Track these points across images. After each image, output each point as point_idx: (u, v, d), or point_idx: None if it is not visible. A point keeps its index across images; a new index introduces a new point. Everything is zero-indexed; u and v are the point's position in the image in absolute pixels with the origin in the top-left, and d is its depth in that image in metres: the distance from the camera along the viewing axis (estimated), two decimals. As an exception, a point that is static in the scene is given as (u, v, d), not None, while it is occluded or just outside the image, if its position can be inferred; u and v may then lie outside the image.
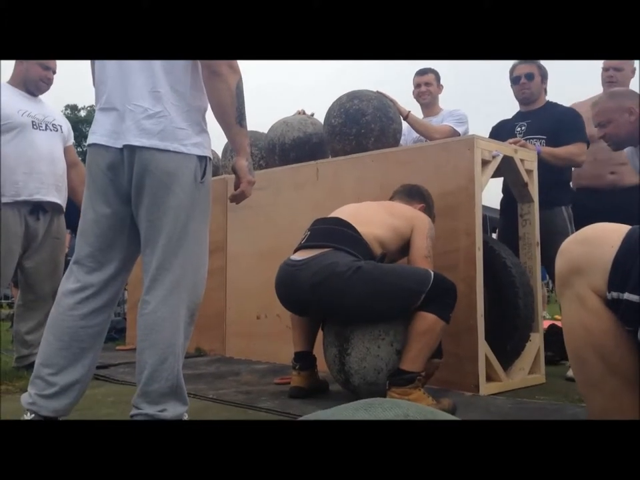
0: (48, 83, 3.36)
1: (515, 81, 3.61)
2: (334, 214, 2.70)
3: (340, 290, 2.36)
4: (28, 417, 1.87)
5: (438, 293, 2.35)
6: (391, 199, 2.87)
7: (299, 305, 2.59)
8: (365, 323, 2.45)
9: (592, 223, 1.32)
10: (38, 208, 3.21)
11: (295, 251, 2.59)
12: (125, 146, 1.86)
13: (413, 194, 2.83)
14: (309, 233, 2.63)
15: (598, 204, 3.32)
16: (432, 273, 2.39)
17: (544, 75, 3.59)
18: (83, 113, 33.16)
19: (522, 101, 3.66)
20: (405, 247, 2.60)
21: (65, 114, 30.52)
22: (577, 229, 1.18)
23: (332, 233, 2.55)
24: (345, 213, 2.67)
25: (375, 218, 2.62)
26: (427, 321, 2.33)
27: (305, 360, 2.68)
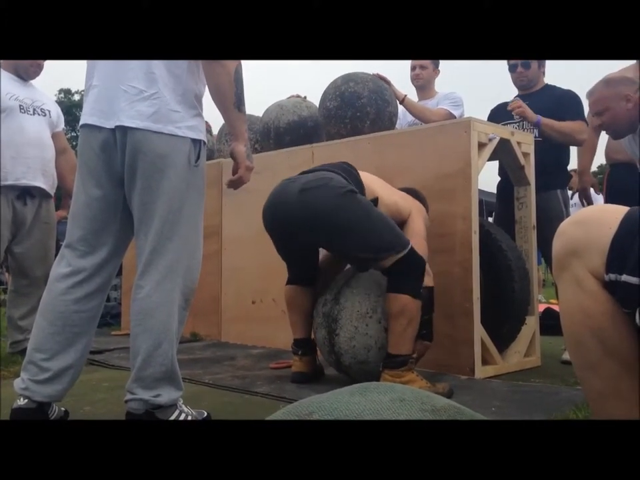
0: (39, 68, 3.32)
1: (511, 68, 3.54)
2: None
3: (331, 202, 2.33)
4: (21, 402, 1.86)
5: (410, 266, 2.32)
6: None
7: (283, 215, 2.46)
8: (352, 299, 2.45)
9: (627, 199, 1.30)
10: (25, 193, 3.19)
11: None
12: (118, 127, 1.83)
13: (410, 194, 2.81)
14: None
15: (633, 181, 3.02)
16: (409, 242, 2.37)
17: (540, 61, 3.55)
18: (76, 97, 32.96)
19: (520, 88, 3.61)
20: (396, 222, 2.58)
21: (58, 98, 30.40)
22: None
23: (332, 164, 2.59)
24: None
25: (379, 182, 2.64)
26: (399, 301, 2.30)
27: (306, 346, 2.67)
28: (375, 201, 2.50)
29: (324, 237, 2.41)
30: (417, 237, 2.50)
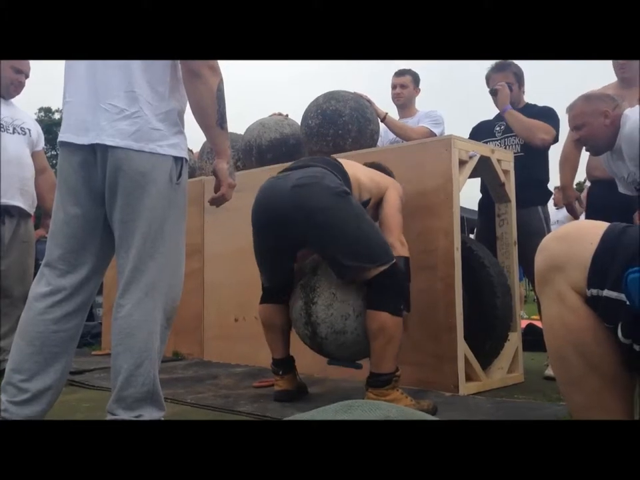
0: (19, 86, 3.31)
1: (493, 92, 3.54)
2: None
3: (324, 201, 2.32)
4: (-1, 424, 1.82)
5: (392, 279, 2.32)
6: None
7: (275, 211, 2.43)
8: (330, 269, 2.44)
9: (605, 216, 1.31)
10: (3, 212, 3.15)
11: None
12: (98, 145, 1.82)
13: (383, 170, 2.84)
14: (292, 162, 2.66)
15: (612, 197, 3.08)
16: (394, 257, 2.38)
17: (520, 80, 3.59)
18: (57, 116, 32.76)
19: None
20: (378, 205, 2.62)
21: (38, 116, 30.15)
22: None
23: (318, 159, 2.61)
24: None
25: (361, 168, 2.67)
26: (378, 319, 2.29)
27: (286, 364, 2.66)
28: (367, 202, 2.52)
29: (313, 235, 2.39)
30: (393, 209, 2.57)
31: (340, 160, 2.63)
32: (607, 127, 2.79)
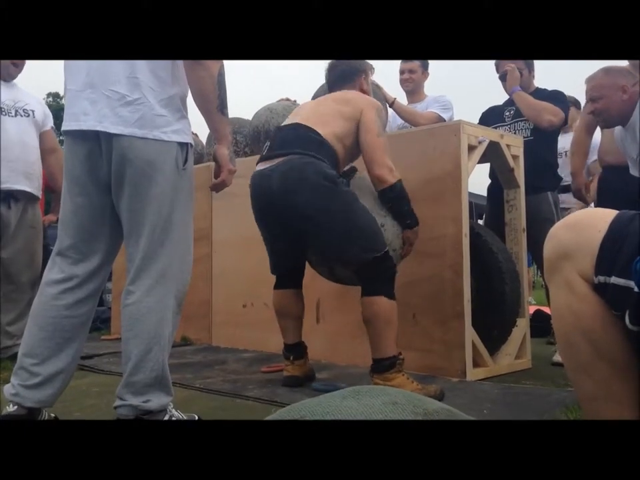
0: (20, 63, 3.27)
1: (502, 77, 3.55)
2: (291, 118, 2.62)
3: (313, 203, 2.31)
4: (11, 408, 1.84)
5: (384, 265, 2.33)
6: (332, 91, 2.73)
7: (267, 214, 2.49)
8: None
9: (617, 202, 1.31)
10: (9, 196, 3.14)
11: (259, 162, 2.52)
12: (102, 133, 1.82)
13: (349, 75, 2.72)
14: (269, 142, 2.56)
15: (623, 184, 3.03)
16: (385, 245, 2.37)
17: (530, 65, 3.57)
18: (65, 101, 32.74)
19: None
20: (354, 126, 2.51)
21: (47, 102, 30.10)
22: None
23: (294, 138, 2.46)
24: (302, 115, 2.57)
25: (330, 113, 2.51)
26: (375, 303, 2.31)
27: (297, 350, 2.67)
28: (351, 146, 2.48)
29: (310, 236, 2.41)
30: (371, 135, 2.44)
31: (310, 122, 2.47)
32: (624, 102, 2.76)
